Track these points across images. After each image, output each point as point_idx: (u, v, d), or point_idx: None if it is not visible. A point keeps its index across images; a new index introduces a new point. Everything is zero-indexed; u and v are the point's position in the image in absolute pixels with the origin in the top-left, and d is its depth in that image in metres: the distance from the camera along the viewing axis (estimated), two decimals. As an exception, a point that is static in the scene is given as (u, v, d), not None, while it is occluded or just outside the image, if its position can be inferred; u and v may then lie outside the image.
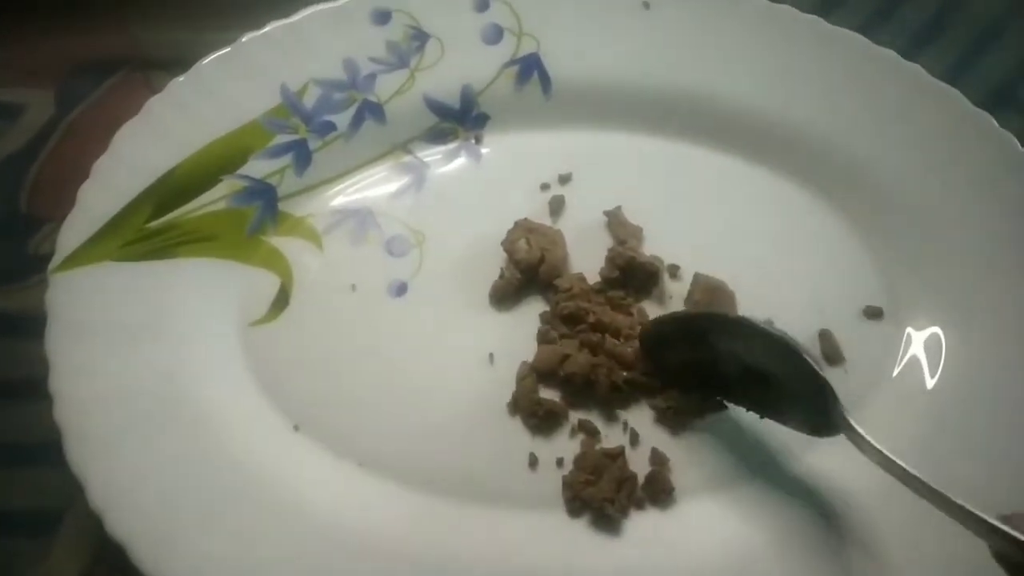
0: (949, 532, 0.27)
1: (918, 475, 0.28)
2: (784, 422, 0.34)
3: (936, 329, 0.37)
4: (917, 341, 0.37)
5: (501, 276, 0.39)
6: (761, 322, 0.34)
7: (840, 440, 0.31)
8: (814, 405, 0.31)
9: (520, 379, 0.36)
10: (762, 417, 0.34)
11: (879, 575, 0.32)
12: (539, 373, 0.37)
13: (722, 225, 0.41)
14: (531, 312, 0.39)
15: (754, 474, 0.35)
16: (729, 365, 0.34)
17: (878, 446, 0.29)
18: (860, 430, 0.30)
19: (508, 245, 0.39)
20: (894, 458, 0.28)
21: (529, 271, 0.39)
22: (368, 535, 0.33)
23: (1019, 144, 0.39)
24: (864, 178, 0.41)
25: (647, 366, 0.37)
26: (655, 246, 0.40)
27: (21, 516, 0.35)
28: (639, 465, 0.35)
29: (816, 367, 0.31)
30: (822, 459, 0.34)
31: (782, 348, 0.32)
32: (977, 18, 0.50)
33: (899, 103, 0.41)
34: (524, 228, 0.40)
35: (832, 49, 0.43)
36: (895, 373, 0.37)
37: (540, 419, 0.36)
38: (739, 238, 0.41)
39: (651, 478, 0.35)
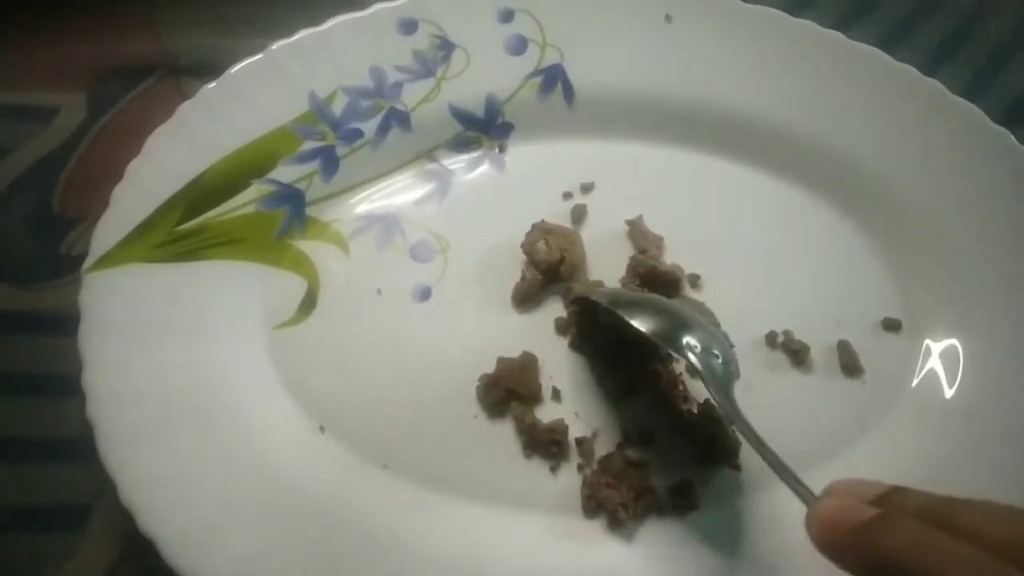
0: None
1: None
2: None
3: (954, 340, 0.38)
4: (935, 352, 0.38)
5: (522, 278, 0.40)
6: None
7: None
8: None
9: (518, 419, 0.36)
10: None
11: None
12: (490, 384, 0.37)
13: (742, 237, 0.42)
14: (553, 316, 0.39)
15: (777, 487, 0.35)
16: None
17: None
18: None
19: (527, 247, 0.40)
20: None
21: (550, 272, 0.39)
22: (392, 535, 0.33)
23: (1037, 160, 0.40)
24: (883, 192, 0.42)
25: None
26: (675, 256, 0.41)
27: (50, 512, 0.35)
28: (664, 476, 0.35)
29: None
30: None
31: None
32: (994, 36, 0.51)
33: (918, 118, 0.42)
34: (542, 230, 0.40)
35: (852, 64, 0.43)
36: (914, 384, 0.37)
37: (551, 444, 0.36)
38: (759, 250, 0.41)
39: (681, 487, 0.35)
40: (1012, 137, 0.41)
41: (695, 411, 0.37)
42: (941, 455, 0.34)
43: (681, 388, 0.37)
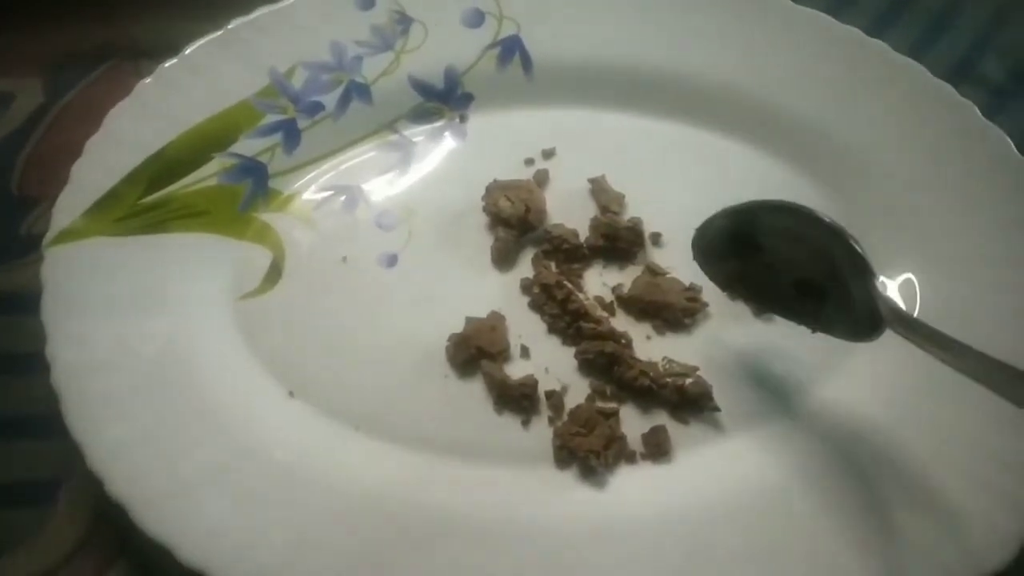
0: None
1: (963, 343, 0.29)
2: (831, 331, 0.34)
3: (909, 275, 0.39)
4: (892, 288, 0.39)
5: (496, 239, 0.40)
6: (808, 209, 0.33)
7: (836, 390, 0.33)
8: (858, 302, 0.32)
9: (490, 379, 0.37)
10: (813, 331, 0.34)
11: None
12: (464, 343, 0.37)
13: (700, 196, 0.41)
14: (519, 277, 0.40)
15: (748, 429, 0.36)
16: (776, 275, 0.35)
17: (924, 323, 0.30)
18: (904, 309, 0.32)
19: (491, 207, 0.40)
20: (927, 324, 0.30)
21: (521, 224, 0.40)
22: (364, 496, 0.33)
23: (978, 111, 0.41)
24: (835, 147, 0.43)
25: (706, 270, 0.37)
26: (636, 215, 0.41)
27: (19, 487, 0.35)
28: (635, 426, 0.36)
29: (860, 249, 0.32)
30: (817, 410, 0.36)
31: (828, 234, 0.32)
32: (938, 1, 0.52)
33: (866, 77, 0.43)
34: (499, 187, 0.41)
35: (799, 27, 0.45)
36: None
37: (522, 399, 0.36)
38: (716, 208, 0.42)
39: (653, 433, 0.35)
40: (955, 91, 0.42)
41: (651, 375, 0.36)
42: (910, 379, 0.35)
43: (631, 362, 0.37)
